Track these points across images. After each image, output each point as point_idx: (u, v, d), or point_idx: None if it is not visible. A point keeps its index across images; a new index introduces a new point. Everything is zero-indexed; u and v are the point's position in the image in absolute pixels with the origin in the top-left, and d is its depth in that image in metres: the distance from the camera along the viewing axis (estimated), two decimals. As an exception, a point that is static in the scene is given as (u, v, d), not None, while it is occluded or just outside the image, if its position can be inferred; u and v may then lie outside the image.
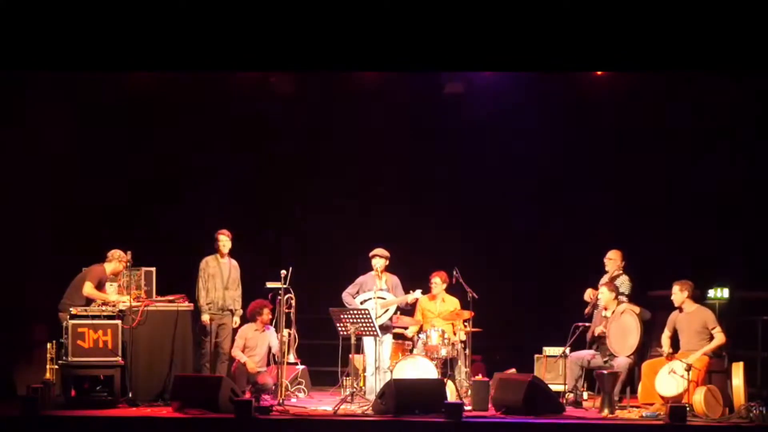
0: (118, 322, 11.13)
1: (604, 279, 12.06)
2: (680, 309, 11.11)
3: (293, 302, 11.77)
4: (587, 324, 11.75)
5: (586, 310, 12.04)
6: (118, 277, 11.87)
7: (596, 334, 11.56)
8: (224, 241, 11.96)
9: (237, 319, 11.98)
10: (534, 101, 13.62)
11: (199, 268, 11.92)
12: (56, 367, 11.25)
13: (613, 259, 12.05)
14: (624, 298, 11.74)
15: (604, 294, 11.59)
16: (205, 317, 11.79)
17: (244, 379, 11.42)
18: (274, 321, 11.70)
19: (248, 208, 13.79)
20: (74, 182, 13.34)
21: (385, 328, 11.76)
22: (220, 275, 11.92)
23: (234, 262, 12.07)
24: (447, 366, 11.80)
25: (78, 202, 13.33)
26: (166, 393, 11.15)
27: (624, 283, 11.87)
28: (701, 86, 12.92)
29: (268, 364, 11.77)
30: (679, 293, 11.11)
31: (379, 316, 11.67)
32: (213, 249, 12.00)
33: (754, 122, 13.01)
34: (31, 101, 12.77)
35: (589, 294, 12.12)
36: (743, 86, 12.69)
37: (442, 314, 12.02)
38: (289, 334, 11.97)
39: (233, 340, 11.84)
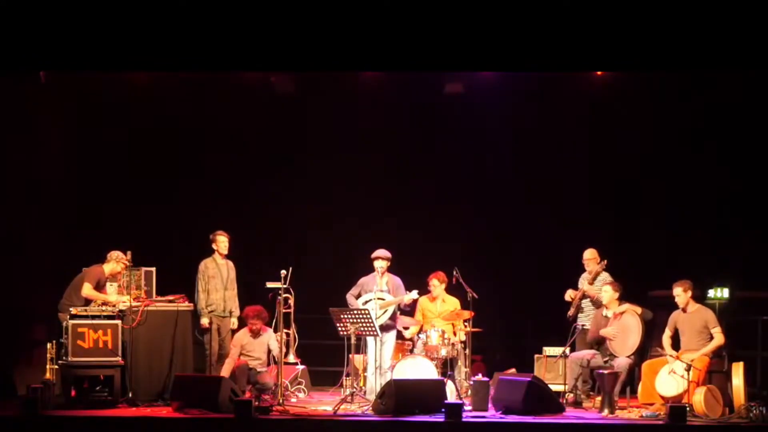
0: (118, 322, 11.14)
1: (584, 278, 12.08)
2: (684, 310, 11.08)
3: (291, 302, 11.75)
4: (585, 325, 11.74)
5: (570, 312, 12.05)
6: (118, 278, 11.87)
7: (601, 336, 11.46)
8: (225, 241, 11.95)
9: (235, 320, 11.96)
10: (534, 101, 13.62)
11: (198, 270, 11.90)
12: (56, 367, 11.25)
13: (591, 259, 12.11)
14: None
15: (607, 292, 11.54)
16: (204, 320, 11.78)
17: (244, 379, 11.41)
18: (274, 321, 11.68)
19: (248, 207, 13.78)
20: (74, 182, 13.34)
21: (387, 327, 11.76)
22: (219, 276, 11.90)
23: (230, 263, 12.06)
24: (447, 366, 11.80)
25: (78, 202, 13.33)
26: (166, 393, 11.16)
27: (606, 280, 11.86)
28: (705, 86, 12.93)
29: (269, 364, 11.76)
30: (683, 294, 11.06)
31: (379, 317, 11.66)
32: (210, 251, 11.97)
33: (754, 122, 13.02)
34: (31, 101, 12.76)
35: (569, 294, 12.13)
36: (742, 85, 12.69)
37: (442, 314, 12.01)
38: (288, 335, 11.96)
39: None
